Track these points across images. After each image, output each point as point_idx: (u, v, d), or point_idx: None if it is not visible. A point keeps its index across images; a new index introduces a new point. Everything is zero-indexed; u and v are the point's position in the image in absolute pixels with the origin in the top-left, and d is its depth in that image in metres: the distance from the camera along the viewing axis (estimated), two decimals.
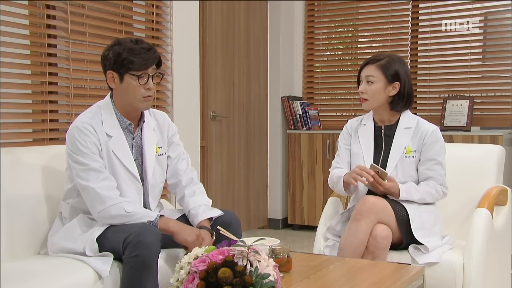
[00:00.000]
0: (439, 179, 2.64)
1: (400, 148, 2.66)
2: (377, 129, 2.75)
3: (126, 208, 2.20)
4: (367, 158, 2.70)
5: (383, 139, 2.72)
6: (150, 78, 2.27)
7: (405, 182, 2.65)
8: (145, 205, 2.41)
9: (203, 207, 2.41)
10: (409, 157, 2.65)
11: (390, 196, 2.60)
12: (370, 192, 2.65)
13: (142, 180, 2.38)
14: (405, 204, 2.57)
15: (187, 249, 2.20)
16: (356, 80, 2.81)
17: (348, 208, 2.76)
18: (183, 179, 2.49)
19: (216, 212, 2.41)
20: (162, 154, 2.45)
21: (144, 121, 2.39)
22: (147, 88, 2.26)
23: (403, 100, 2.69)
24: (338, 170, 2.74)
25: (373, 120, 2.77)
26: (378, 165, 2.67)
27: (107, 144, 2.26)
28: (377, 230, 2.49)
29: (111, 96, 2.35)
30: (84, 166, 2.21)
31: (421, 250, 2.51)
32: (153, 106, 3.56)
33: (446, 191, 2.66)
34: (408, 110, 2.75)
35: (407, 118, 2.72)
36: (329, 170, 2.81)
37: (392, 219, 2.53)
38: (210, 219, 2.40)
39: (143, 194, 2.39)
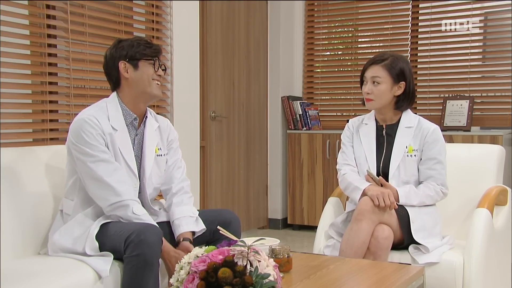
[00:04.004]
0: (440, 178, 2.64)
1: (402, 147, 2.67)
2: (378, 129, 2.75)
3: (134, 208, 2.22)
4: (369, 157, 2.70)
5: (385, 138, 2.72)
6: (159, 66, 2.39)
7: (408, 181, 2.65)
8: (142, 203, 2.41)
9: (187, 219, 2.40)
10: (411, 156, 2.65)
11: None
12: None
13: (139, 177, 2.38)
14: (405, 205, 2.58)
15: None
16: (356, 80, 2.81)
17: (348, 209, 2.76)
18: (174, 186, 2.49)
19: (199, 227, 2.40)
20: (161, 155, 2.46)
21: (147, 116, 2.43)
22: (158, 75, 2.38)
23: (408, 99, 2.69)
24: (352, 173, 2.71)
25: (375, 119, 2.77)
26: (380, 165, 2.68)
27: (112, 137, 2.28)
28: (379, 231, 2.49)
29: (117, 93, 2.38)
30: (93, 157, 2.22)
31: (421, 250, 2.51)
32: (153, 106, 3.57)
33: (446, 191, 2.66)
34: (409, 109, 2.75)
35: (408, 117, 2.72)
36: (337, 167, 2.80)
37: (393, 219, 2.53)
38: (193, 232, 2.39)
39: (140, 193, 2.40)
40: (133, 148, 2.37)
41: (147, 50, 2.35)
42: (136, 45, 2.34)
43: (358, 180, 2.66)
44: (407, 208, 2.56)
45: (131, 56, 2.33)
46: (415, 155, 2.66)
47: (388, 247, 2.50)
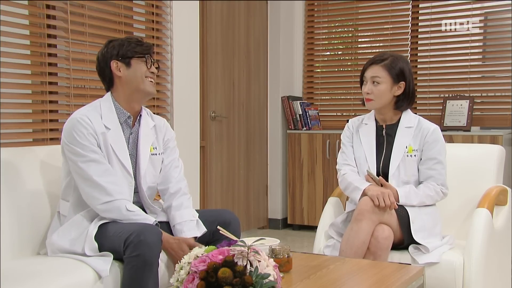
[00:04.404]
0: (440, 178, 2.64)
1: (402, 147, 2.66)
2: (378, 129, 2.75)
3: (127, 206, 2.22)
4: (369, 158, 2.70)
5: (385, 138, 2.72)
6: (152, 63, 2.39)
7: (408, 181, 2.65)
8: (141, 202, 2.42)
9: (188, 224, 2.39)
10: (411, 156, 2.65)
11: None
12: None
13: (135, 176, 2.38)
14: (405, 205, 2.58)
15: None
16: (356, 80, 2.81)
17: (348, 209, 2.76)
18: (171, 186, 2.48)
19: (201, 231, 2.39)
20: (156, 154, 2.46)
21: (141, 115, 2.42)
22: (151, 72, 2.39)
23: (408, 99, 2.69)
24: (352, 173, 2.71)
25: (375, 119, 2.77)
26: (380, 165, 2.68)
27: (104, 136, 2.28)
28: (379, 231, 2.49)
29: (111, 92, 2.39)
30: (83, 157, 2.22)
31: (421, 250, 2.51)
32: (153, 105, 3.57)
33: (446, 191, 2.66)
34: (409, 109, 2.75)
35: (408, 117, 2.72)
36: (337, 167, 2.79)
37: (393, 219, 2.53)
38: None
39: (138, 192, 2.40)
40: (128, 147, 2.37)
41: (138, 48, 2.36)
42: (126, 43, 2.35)
43: (358, 180, 2.66)
44: (407, 208, 2.56)
45: (122, 55, 2.34)
46: (415, 155, 2.66)
47: (388, 247, 2.49)
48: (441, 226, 2.66)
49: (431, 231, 2.57)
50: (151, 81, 2.38)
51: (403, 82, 2.67)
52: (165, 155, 2.51)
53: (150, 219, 2.23)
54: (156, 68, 2.41)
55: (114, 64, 2.34)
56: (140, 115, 2.43)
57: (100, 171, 2.22)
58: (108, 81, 2.38)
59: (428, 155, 2.65)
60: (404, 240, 2.56)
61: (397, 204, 2.54)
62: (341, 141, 2.83)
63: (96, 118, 2.28)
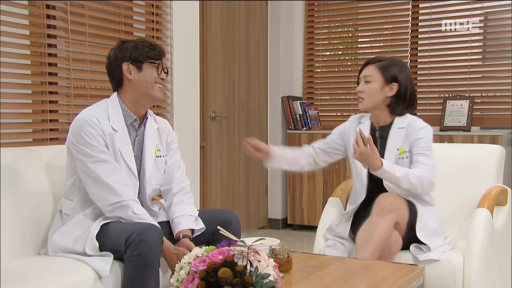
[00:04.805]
0: (425, 166, 2.55)
1: (394, 150, 2.63)
2: (372, 130, 2.73)
3: (134, 208, 2.22)
4: None
5: (378, 140, 2.69)
6: (162, 69, 2.40)
7: None
8: (142, 204, 2.41)
9: (187, 218, 2.40)
10: (403, 158, 2.62)
11: (388, 188, 2.59)
12: (370, 193, 2.64)
13: (139, 178, 2.39)
14: (416, 204, 2.56)
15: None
16: (356, 80, 2.80)
17: (347, 209, 2.75)
18: (174, 186, 2.49)
19: (199, 226, 2.40)
20: (160, 156, 2.47)
21: (147, 118, 2.43)
22: (161, 78, 2.40)
23: (403, 103, 2.66)
24: (307, 149, 2.83)
25: (371, 120, 2.75)
26: None
27: (112, 137, 2.29)
28: (392, 235, 2.48)
29: (118, 94, 2.39)
30: (92, 157, 2.22)
31: (422, 249, 2.50)
32: (153, 106, 3.57)
33: (433, 178, 2.56)
34: (407, 114, 2.72)
35: (402, 119, 2.68)
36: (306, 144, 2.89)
37: (405, 218, 2.52)
38: (192, 230, 2.39)
39: (140, 193, 2.40)
40: (133, 149, 2.37)
41: (151, 53, 2.36)
42: (140, 47, 2.35)
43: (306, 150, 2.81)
44: (417, 206, 2.55)
45: (135, 58, 2.34)
46: (407, 157, 2.62)
47: (397, 251, 2.50)
48: (445, 228, 2.65)
49: (436, 230, 2.55)
50: (160, 86, 2.39)
51: (396, 84, 2.64)
52: (168, 157, 2.52)
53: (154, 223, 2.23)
54: (165, 73, 2.41)
55: (125, 66, 2.34)
56: (146, 118, 2.44)
57: (109, 170, 2.23)
58: (117, 82, 2.38)
59: (415, 151, 2.60)
60: (406, 240, 2.55)
61: (408, 200, 2.54)
62: (333, 130, 2.83)
63: (104, 119, 2.29)
